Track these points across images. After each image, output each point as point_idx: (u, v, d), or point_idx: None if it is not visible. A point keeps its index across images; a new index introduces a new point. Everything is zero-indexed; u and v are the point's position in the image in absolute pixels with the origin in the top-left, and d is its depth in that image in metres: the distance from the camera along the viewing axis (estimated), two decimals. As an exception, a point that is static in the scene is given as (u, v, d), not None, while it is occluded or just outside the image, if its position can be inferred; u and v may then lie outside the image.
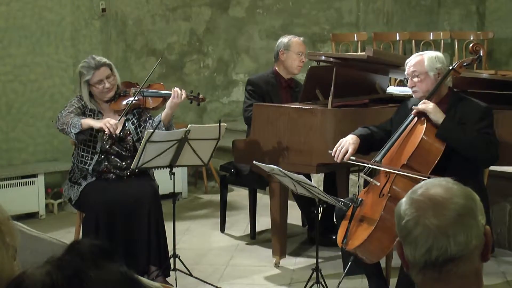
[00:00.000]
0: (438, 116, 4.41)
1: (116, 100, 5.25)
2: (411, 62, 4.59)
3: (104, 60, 5.24)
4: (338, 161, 4.63)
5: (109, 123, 5.01)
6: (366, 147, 4.74)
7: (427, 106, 4.44)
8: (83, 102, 5.20)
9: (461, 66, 4.63)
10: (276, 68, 6.14)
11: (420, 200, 1.80)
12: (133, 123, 5.27)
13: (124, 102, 5.24)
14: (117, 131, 5.11)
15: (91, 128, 5.09)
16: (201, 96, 5.35)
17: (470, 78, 5.22)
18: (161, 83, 5.56)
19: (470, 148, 4.40)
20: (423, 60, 4.55)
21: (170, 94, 5.18)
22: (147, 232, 5.01)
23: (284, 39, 6.12)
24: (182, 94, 5.17)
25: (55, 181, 7.18)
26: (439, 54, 4.65)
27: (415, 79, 4.56)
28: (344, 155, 4.60)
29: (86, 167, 5.15)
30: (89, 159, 5.16)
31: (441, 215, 1.77)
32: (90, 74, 5.14)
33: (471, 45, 4.96)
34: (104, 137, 5.16)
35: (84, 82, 5.17)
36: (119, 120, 5.14)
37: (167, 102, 5.19)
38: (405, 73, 4.64)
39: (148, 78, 5.35)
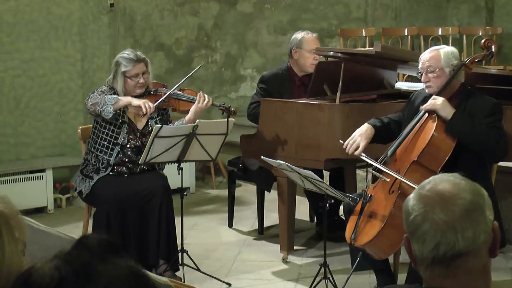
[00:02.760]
0: (447, 112, 4.38)
1: (145, 98, 5.25)
2: (426, 57, 4.52)
3: (144, 56, 5.29)
4: (349, 153, 4.63)
5: (148, 103, 5.03)
6: (380, 138, 4.74)
7: (436, 102, 4.41)
8: (112, 92, 5.18)
9: (473, 62, 4.59)
10: (290, 65, 6.04)
11: (428, 195, 1.80)
12: (156, 122, 5.27)
13: (154, 100, 5.23)
14: (140, 127, 5.22)
15: (116, 119, 5.12)
16: (233, 108, 5.34)
17: (478, 73, 5.20)
18: (193, 89, 5.56)
19: (480, 142, 4.37)
20: (440, 55, 4.48)
21: None
22: (157, 226, 5.02)
23: (297, 36, 5.97)
24: (207, 100, 5.21)
25: (63, 176, 7.19)
26: (454, 49, 4.58)
27: (430, 75, 4.49)
28: (356, 150, 4.60)
29: (107, 157, 5.16)
30: (110, 149, 5.16)
31: (449, 211, 1.76)
32: (130, 66, 5.15)
33: (483, 41, 4.90)
34: (126, 130, 5.16)
35: (121, 73, 5.16)
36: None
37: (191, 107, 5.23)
38: (419, 67, 4.55)
39: (186, 78, 5.39)
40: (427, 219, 1.77)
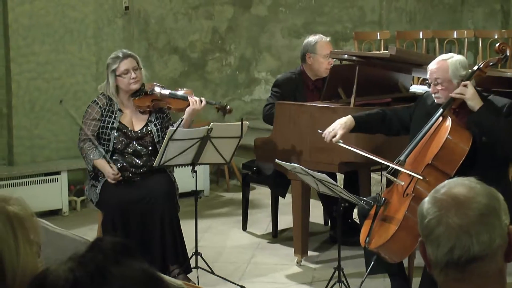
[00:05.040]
0: (475, 102, 4.35)
1: (140, 97, 5.27)
2: (433, 68, 4.49)
3: (131, 52, 5.31)
4: (327, 141, 4.77)
5: (110, 178, 5.11)
6: (364, 129, 4.90)
7: (467, 91, 4.37)
8: (103, 103, 5.22)
9: (487, 66, 4.56)
10: (303, 69, 6.02)
11: (443, 199, 1.80)
12: (155, 125, 5.27)
13: (150, 100, 5.25)
14: (136, 129, 5.21)
15: (105, 127, 5.19)
16: (228, 107, 5.35)
17: (494, 77, 5.18)
18: (190, 89, 5.55)
19: (502, 138, 4.33)
20: (447, 67, 4.44)
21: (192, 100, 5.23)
22: (160, 231, 5.01)
23: (310, 40, 5.93)
24: (201, 102, 5.20)
25: (78, 178, 7.20)
26: (462, 58, 4.53)
27: (438, 87, 4.46)
28: (333, 137, 4.74)
29: None
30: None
31: (464, 215, 1.76)
32: (117, 63, 5.17)
33: (497, 45, 4.90)
34: (121, 137, 5.17)
35: (111, 73, 5.19)
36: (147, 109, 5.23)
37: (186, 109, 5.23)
38: (427, 77, 4.54)
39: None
40: (442, 223, 1.76)
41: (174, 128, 4.87)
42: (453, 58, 4.51)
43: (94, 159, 5.15)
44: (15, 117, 7.10)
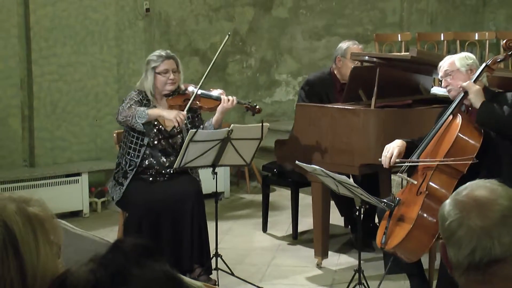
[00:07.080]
0: (477, 99, 4.41)
1: (173, 97, 5.30)
2: (443, 65, 4.64)
3: (174, 54, 5.39)
4: (387, 167, 4.66)
5: (179, 117, 5.08)
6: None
7: (472, 86, 4.43)
8: (141, 96, 5.24)
9: (495, 63, 4.60)
10: (334, 70, 6.08)
11: (464, 201, 1.79)
12: (186, 125, 5.29)
13: (182, 100, 5.29)
14: (168, 129, 5.26)
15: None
16: (257, 107, 5.41)
17: (508, 78, 5.15)
18: (222, 90, 5.58)
19: (505, 131, 4.39)
20: (454, 59, 4.62)
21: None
22: (190, 230, 5.04)
23: (343, 45, 6.04)
24: (233, 100, 5.25)
25: (99, 180, 7.24)
26: (468, 53, 4.74)
27: (448, 78, 4.60)
28: (390, 158, 4.61)
29: (135, 159, 5.19)
30: (137, 151, 5.20)
31: (485, 216, 1.75)
32: (159, 61, 5.24)
33: (504, 41, 4.87)
34: (154, 131, 5.19)
35: (151, 69, 5.24)
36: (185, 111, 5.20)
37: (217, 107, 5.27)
38: (439, 76, 4.70)
39: (205, 76, 5.42)
40: (463, 225, 1.76)
41: (195, 130, 4.89)
42: (458, 54, 4.75)
43: (147, 110, 5.09)
44: (37, 119, 7.14)
